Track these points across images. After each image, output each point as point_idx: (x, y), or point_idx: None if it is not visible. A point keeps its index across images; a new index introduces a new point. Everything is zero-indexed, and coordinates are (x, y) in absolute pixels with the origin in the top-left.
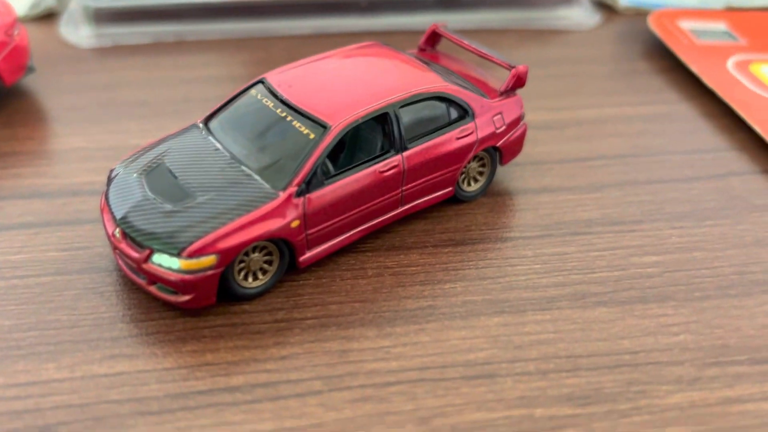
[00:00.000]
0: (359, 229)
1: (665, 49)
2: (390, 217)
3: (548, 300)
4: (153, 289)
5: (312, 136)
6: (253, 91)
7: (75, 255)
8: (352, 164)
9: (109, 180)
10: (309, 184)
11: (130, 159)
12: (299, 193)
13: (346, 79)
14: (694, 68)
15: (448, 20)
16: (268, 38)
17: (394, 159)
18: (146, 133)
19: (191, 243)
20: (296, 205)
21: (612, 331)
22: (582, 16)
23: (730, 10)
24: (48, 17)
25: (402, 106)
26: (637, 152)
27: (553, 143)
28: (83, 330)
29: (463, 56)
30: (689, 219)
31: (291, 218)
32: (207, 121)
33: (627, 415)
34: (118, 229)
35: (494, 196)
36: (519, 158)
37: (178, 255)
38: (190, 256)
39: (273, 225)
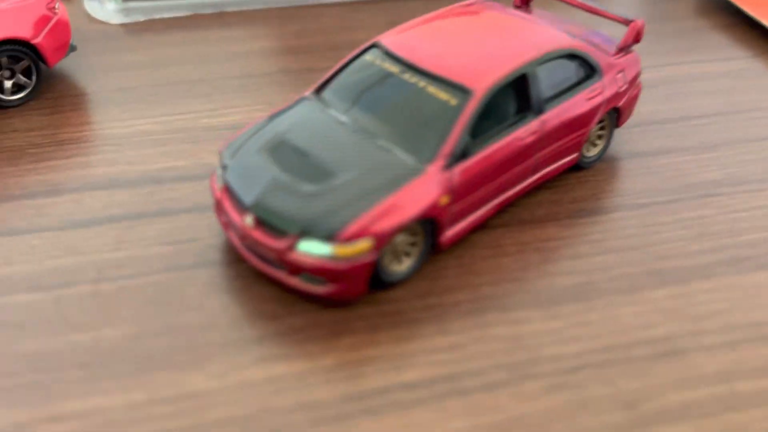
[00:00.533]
0: (495, 202)
1: (722, 4)
2: (522, 188)
3: (706, 267)
4: (295, 280)
5: (453, 102)
6: (368, 57)
7: (183, 248)
8: (492, 131)
9: (223, 164)
10: (455, 156)
11: (240, 140)
12: (447, 166)
13: (471, 40)
14: (766, 22)
15: None
16: (315, 6)
17: (533, 124)
18: (216, 112)
19: (345, 226)
20: (445, 180)
21: None
22: None
23: None
24: None
25: (538, 65)
26: (735, 109)
27: (650, 103)
28: (221, 332)
29: (563, 13)
30: None
31: (441, 194)
32: (318, 92)
33: None
34: (250, 217)
35: (609, 161)
36: None
37: (332, 240)
38: (346, 240)
39: (425, 202)
